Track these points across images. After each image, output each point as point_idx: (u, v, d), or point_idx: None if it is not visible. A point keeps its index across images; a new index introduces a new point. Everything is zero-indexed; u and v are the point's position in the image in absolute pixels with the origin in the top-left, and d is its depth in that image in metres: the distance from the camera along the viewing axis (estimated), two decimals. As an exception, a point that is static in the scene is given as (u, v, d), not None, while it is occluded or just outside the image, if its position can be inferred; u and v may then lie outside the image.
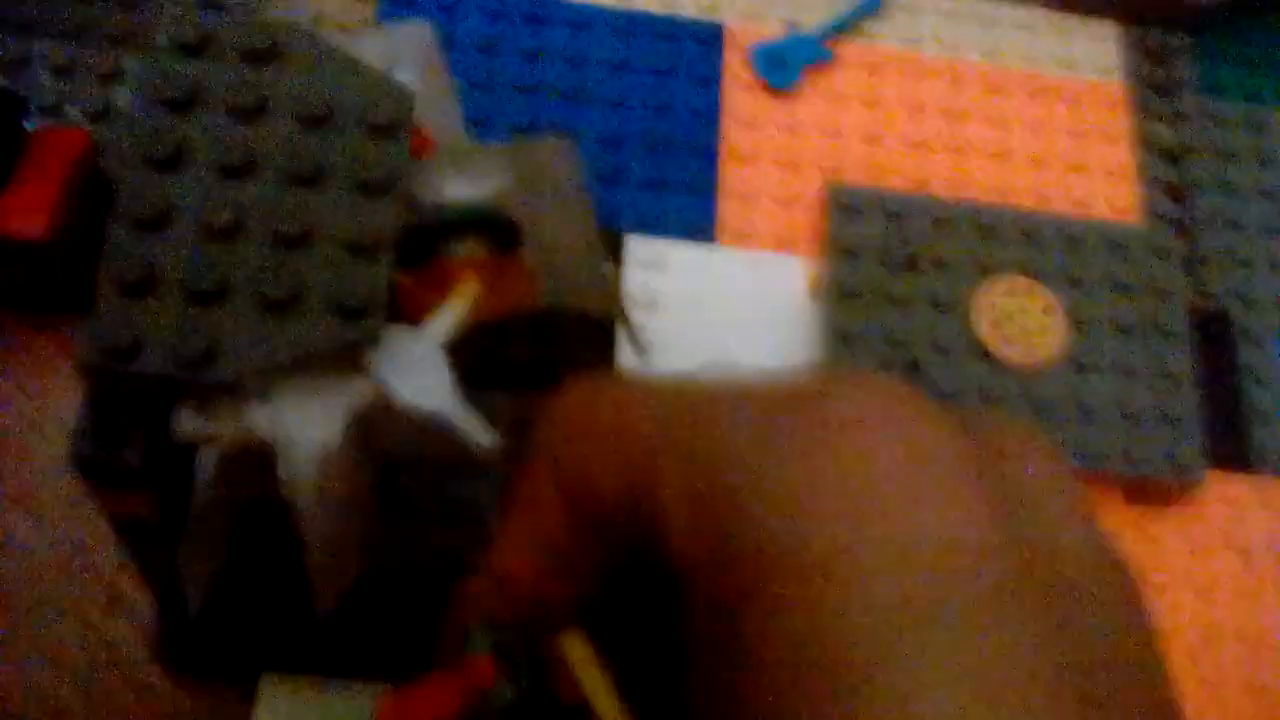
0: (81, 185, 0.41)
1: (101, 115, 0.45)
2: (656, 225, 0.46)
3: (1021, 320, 0.43)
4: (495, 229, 0.33)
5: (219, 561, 0.34)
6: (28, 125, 0.41)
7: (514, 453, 0.30)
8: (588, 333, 0.43)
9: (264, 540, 0.34)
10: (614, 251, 0.45)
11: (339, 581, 0.35)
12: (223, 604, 0.36)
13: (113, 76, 0.46)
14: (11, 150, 0.40)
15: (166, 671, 0.39)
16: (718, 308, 0.45)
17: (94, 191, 0.43)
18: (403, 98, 0.32)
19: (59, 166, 0.41)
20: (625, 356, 0.43)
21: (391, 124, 0.32)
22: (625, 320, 0.39)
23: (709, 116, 0.48)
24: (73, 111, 0.45)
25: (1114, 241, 0.45)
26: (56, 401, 0.42)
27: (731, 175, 0.47)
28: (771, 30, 0.50)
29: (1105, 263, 0.45)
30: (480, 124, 0.46)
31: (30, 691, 0.39)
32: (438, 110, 0.34)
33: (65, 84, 0.45)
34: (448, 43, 0.47)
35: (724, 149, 0.47)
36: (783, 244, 0.46)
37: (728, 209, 0.46)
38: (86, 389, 0.30)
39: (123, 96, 0.45)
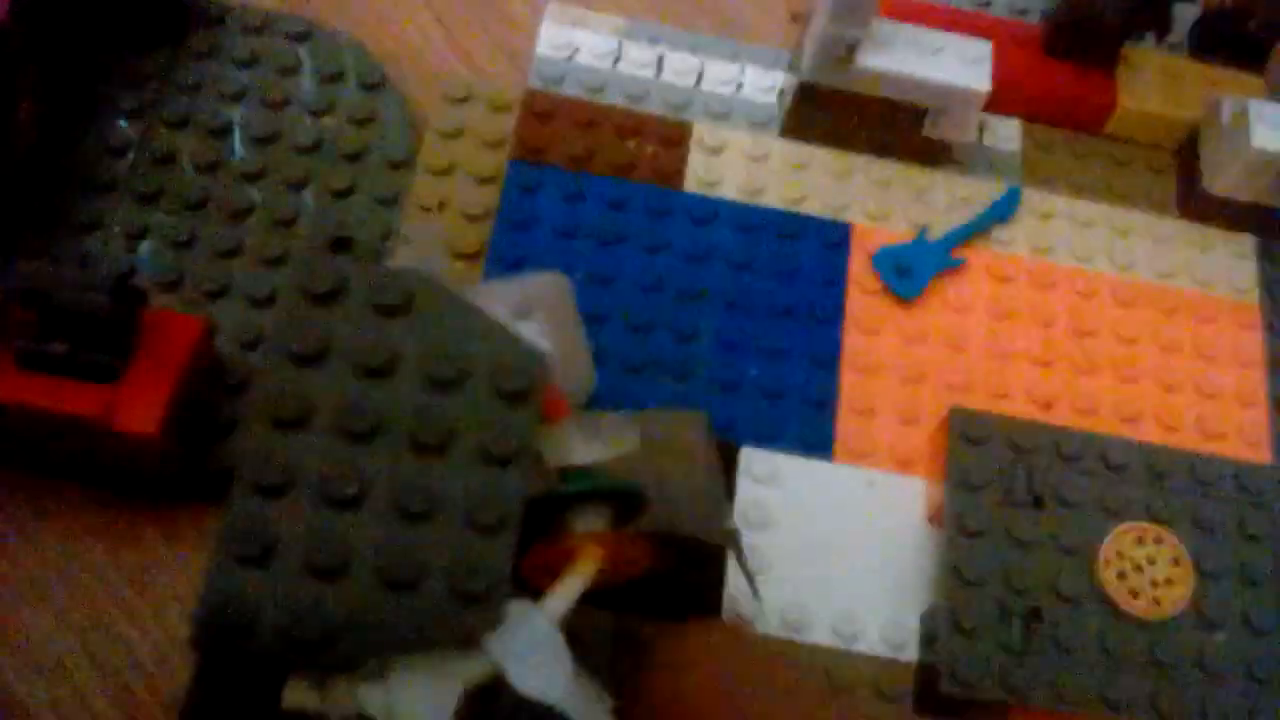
0: (196, 374, 0.41)
1: (219, 294, 0.45)
2: (772, 437, 0.44)
3: (1149, 572, 0.41)
4: (618, 499, 0.32)
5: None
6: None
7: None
8: (699, 556, 0.41)
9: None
10: (728, 462, 0.43)
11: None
12: None
13: (231, 254, 0.45)
14: (129, 340, 0.40)
15: None
16: (831, 527, 0.43)
17: (209, 379, 0.43)
18: (535, 362, 0.31)
19: (174, 356, 0.40)
20: (735, 583, 0.42)
21: (522, 390, 0.31)
22: (741, 563, 0.38)
23: (832, 322, 0.47)
24: (191, 290, 0.45)
25: (1245, 483, 0.43)
26: (159, 591, 0.41)
27: (851, 386, 0.46)
28: (898, 233, 0.49)
29: (1237, 507, 0.43)
30: (597, 320, 0.45)
31: None
32: (570, 362, 0.33)
33: (184, 258, 0.45)
34: (571, 234, 0.47)
35: (845, 358, 0.46)
36: (901, 463, 0.45)
37: (846, 423, 0.45)
38: (198, 658, 0.29)
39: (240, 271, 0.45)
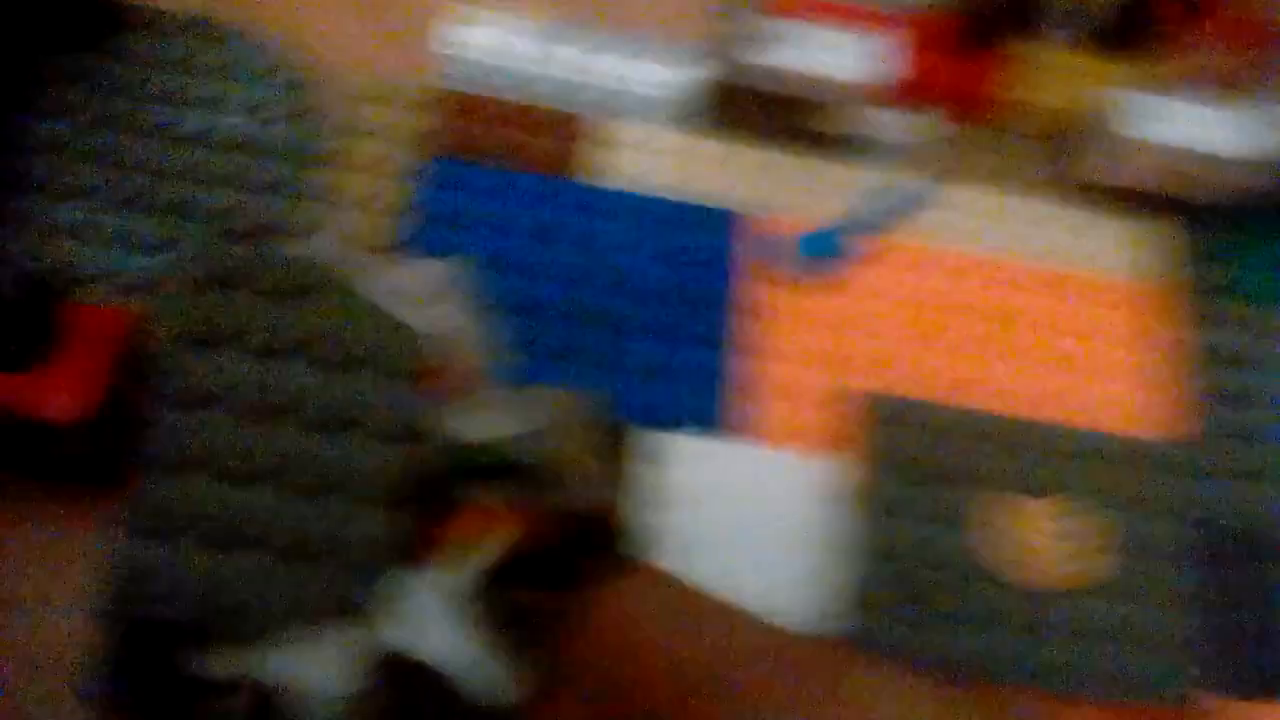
0: (119, 364, 0.42)
1: (144, 288, 0.46)
2: (661, 418, 0.46)
3: (1061, 545, 0.44)
4: (518, 473, 0.33)
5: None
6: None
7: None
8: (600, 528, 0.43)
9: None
10: (621, 442, 0.45)
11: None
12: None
13: (161, 248, 0.47)
14: (43, 333, 0.41)
15: None
16: (724, 505, 0.45)
17: (132, 369, 0.44)
18: (425, 343, 0.33)
19: (95, 346, 0.42)
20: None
21: (413, 370, 0.32)
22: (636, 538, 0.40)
23: (719, 305, 0.49)
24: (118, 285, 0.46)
25: (1145, 458, 0.46)
26: (73, 576, 0.43)
27: (740, 367, 0.47)
28: (791, 221, 0.51)
29: (1134, 481, 0.45)
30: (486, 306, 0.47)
31: None
32: (469, 344, 0.35)
33: (116, 253, 0.47)
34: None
35: (733, 340, 0.48)
36: (792, 438, 0.46)
37: (736, 402, 0.47)
38: (103, 629, 0.31)
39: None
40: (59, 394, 0.41)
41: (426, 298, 0.35)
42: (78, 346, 0.42)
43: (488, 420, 0.34)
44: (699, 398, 0.47)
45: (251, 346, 0.32)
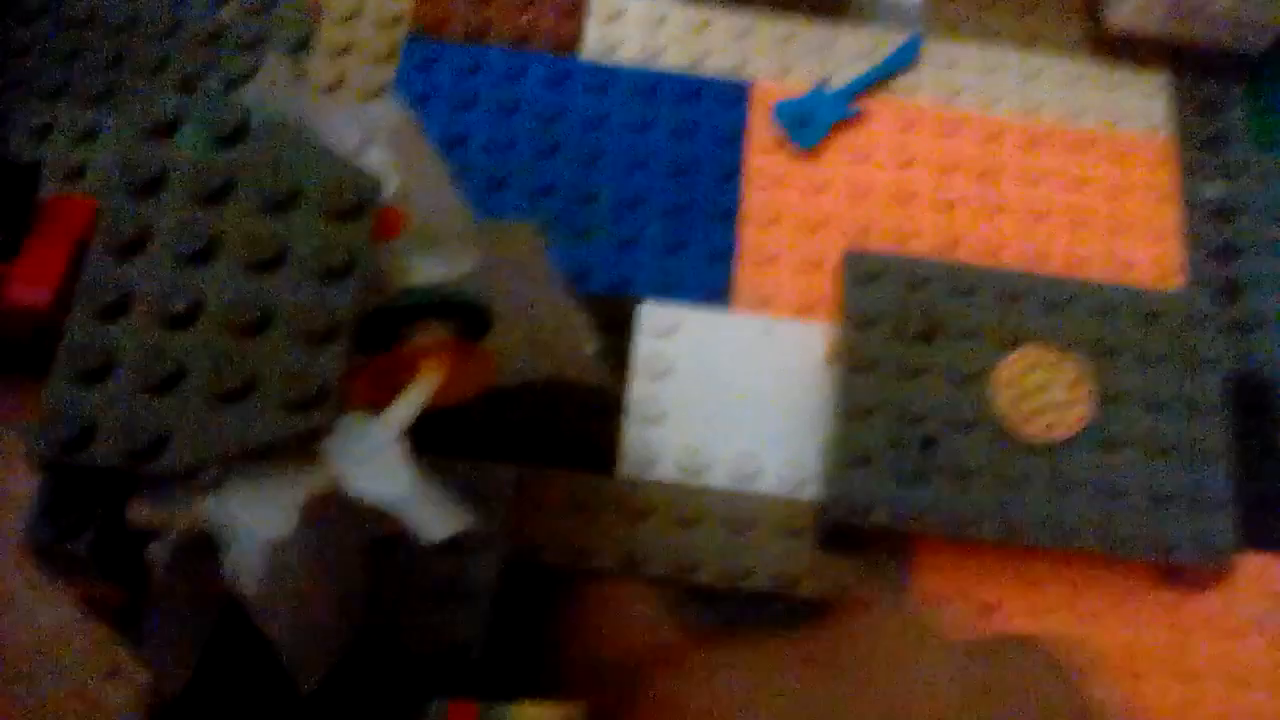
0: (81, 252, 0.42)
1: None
2: (672, 290, 0.44)
3: (1045, 395, 0.41)
4: (461, 313, 0.32)
5: (191, 647, 0.34)
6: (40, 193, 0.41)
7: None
8: (591, 401, 0.42)
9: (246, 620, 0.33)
10: (624, 320, 0.44)
11: (316, 664, 0.34)
12: (212, 678, 0.36)
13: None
14: (21, 220, 0.40)
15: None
16: (730, 374, 0.43)
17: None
18: (367, 181, 0.31)
19: (67, 235, 0.41)
20: (631, 426, 0.42)
21: (354, 208, 0.31)
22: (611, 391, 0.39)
23: (731, 177, 0.47)
24: (94, 181, 0.45)
25: (1148, 309, 0.43)
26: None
27: (751, 239, 0.46)
28: (800, 87, 0.48)
29: (1138, 331, 0.43)
30: (500, 186, 0.46)
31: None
32: (421, 189, 0.34)
33: (88, 150, 0.46)
34: (468, 104, 0.47)
35: (744, 211, 0.46)
36: (803, 310, 0.45)
37: (745, 273, 0.45)
38: (41, 477, 0.30)
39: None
40: (35, 281, 0.40)
41: (372, 139, 0.33)
42: (51, 235, 0.41)
43: (438, 262, 0.32)
44: (710, 270, 0.45)
45: (185, 188, 0.31)
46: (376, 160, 0.33)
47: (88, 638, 0.40)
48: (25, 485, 0.41)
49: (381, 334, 0.32)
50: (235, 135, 0.32)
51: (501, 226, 0.33)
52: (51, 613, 0.41)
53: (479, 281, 0.32)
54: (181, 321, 0.30)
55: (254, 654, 0.35)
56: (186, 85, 0.47)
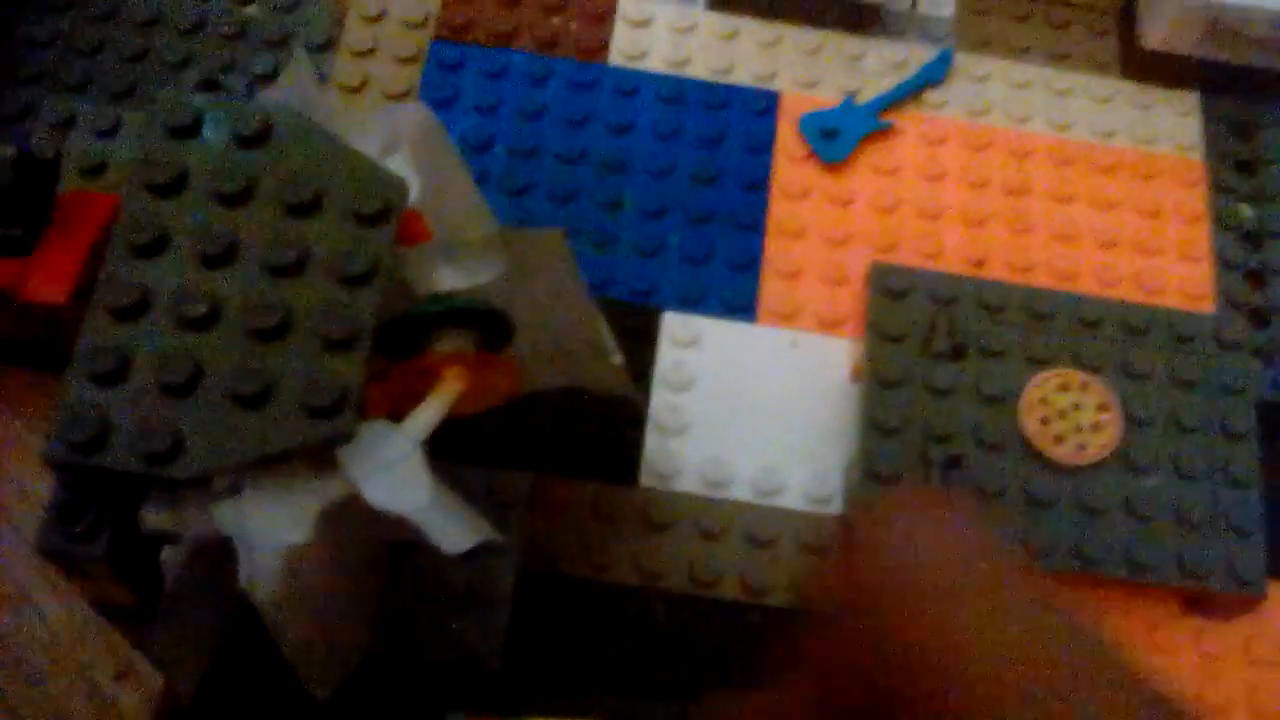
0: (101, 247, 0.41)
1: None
2: (696, 301, 0.44)
3: (1074, 417, 0.41)
4: (482, 322, 0.32)
5: (206, 651, 0.34)
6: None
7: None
8: (612, 411, 0.41)
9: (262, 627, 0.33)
10: (647, 330, 0.43)
11: (331, 672, 0.34)
12: (228, 685, 0.35)
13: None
14: (41, 214, 0.40)
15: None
16: (754, 387, 0.43)
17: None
18: (393, 185, 0.31)
19: (86, 231, 0.41)
20: (653, 437, 0.41)
21: (379, 213, 0.31)
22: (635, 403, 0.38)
23: (758, 188, 0.46)
24: (115, 176, 0.45)
25: (1179, 331, 0.42)
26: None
27: (776, 251, 0.45)
28: (829, 99, 0.48)
29: (1168, 354, 0.42)
30: (524, 192, 0.45)
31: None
32: (445, 194, 0.33)
33: (109, 145, 0.45)
34: (493, 108, 0.47)
35: (770, 223, 0.45)
36: (827, 324, 0.44)
37: (770, 285, 0.44)
38: (56, 478, 0.30)
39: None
40: (53, 277, 0.40)
41: (397, 143, 0.33)
42: (70, 231, 0.41)
43: (461, 270, 0.32)
44: (735, 282, 0.45)
45: (207, 189, 0.31)
46: (400, 164, 0.33)
47: (100, 638, 0.40)
48: (43, 484, 0.41)
49: (402, 341, 0.31)
50: (259, 136, 0.31)
51: (525, 233, 0.32)
52: (64, 612, 0.40)
53: (502, 289, 0.32)
54: (200, 324, 0.29)
55: (270, 661, 0.35)
56: (210, 83, 0.47)
